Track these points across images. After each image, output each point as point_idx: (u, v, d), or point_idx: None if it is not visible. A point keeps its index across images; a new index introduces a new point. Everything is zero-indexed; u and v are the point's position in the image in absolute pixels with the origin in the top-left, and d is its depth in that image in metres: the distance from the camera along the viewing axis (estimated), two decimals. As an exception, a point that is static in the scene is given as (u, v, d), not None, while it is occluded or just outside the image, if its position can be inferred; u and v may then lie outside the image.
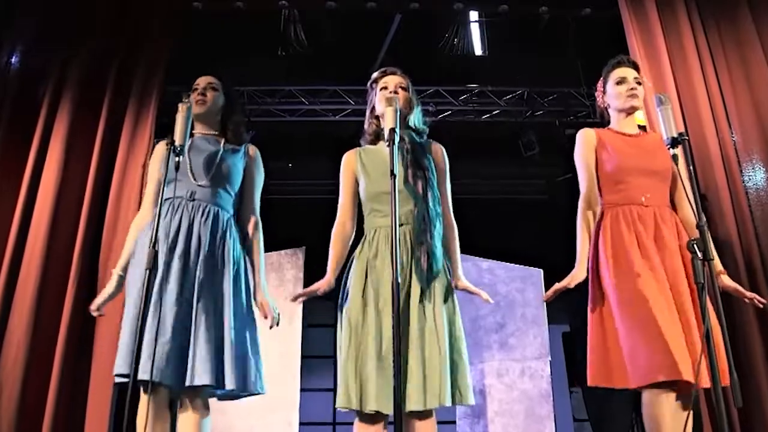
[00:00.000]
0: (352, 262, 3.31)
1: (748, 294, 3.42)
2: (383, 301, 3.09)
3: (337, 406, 3.03)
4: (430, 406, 2.94)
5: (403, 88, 3.48)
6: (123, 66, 4.84)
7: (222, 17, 6.63)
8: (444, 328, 3.07)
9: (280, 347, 6.84)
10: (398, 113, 3.00)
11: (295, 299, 3.32)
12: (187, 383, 3.03)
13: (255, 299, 3.48)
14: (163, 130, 3.67)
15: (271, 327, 3.43)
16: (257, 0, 6.36)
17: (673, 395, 3.09)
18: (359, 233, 3.43)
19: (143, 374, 2.90)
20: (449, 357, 3.05)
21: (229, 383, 3.10)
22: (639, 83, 3.63)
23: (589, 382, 3.37)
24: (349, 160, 3.54)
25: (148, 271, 2.82)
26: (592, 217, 3.54)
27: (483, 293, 3.37)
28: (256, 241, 3.58)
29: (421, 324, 3.05)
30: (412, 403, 2.89)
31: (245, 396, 3.30)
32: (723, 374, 2.78)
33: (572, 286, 3.43)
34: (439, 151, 3.52)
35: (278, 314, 3.47)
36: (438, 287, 3.16)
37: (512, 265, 7.87)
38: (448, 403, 2.96)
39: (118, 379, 3.12)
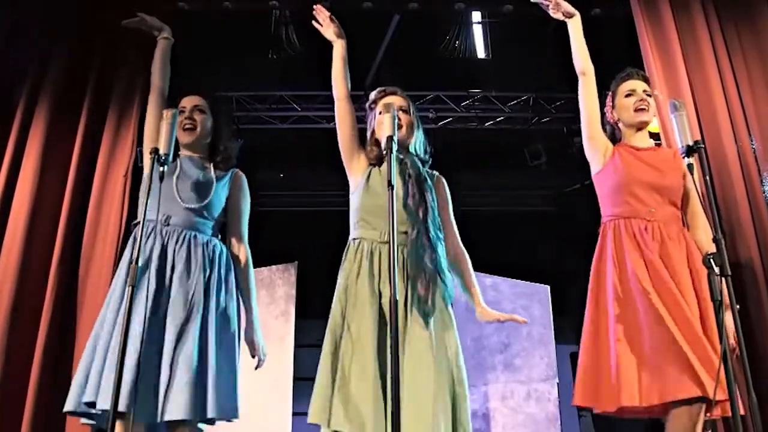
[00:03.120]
0: (340, 277, 3.31)
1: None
2: (360, 323, 3.08)
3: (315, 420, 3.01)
4: None
5: (404, 111, 3.49)
6: (103, 70, 4.82)
7: (209, 18, 6.64)
8: (445, 370, 3.07)
9: (270, 369, 6.80)
10: (396, 120, 2.99)
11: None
12: (162, 419, 3.04)
13: (246, 337, 3.51)
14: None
15: (256, 368, 3.51)
16: (246, 0, 6.37)
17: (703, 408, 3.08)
18: (343, 243, 3.45)
19: (121, 407, 2.91)
20: (451, 389, 3.05)
21: (215, 414, 3.13)
22: (649, 95, 3.67)
23: (575, 402, 3.38)
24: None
25: (131, 288, 2.82)
26: None
27: (518, 317, 3.43)
28: (247, 277, 3.60)
29: (415, 355, 3.02)
30: None
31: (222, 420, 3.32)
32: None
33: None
34: (442, 184, 3.57)
35: (265, 355, 3.54)
36: (437, 315, 3.15)
37: (517, 281, 7.87)
38: None
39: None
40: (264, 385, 6.72)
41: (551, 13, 3.78)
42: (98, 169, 4.53)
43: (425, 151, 3.57)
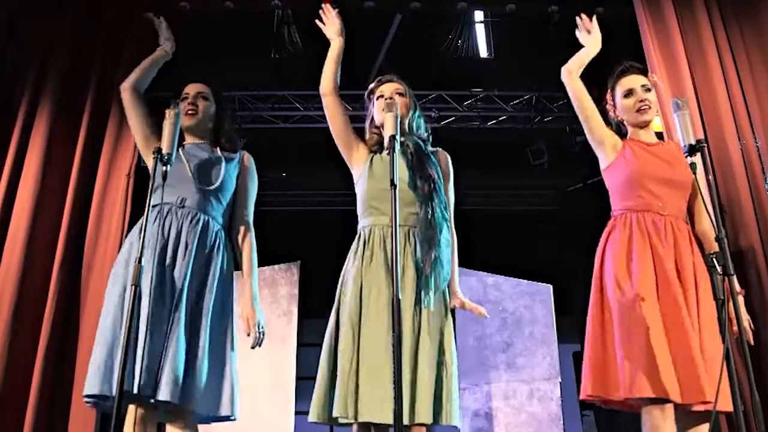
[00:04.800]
0: (348, 263, 3.35)
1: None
2: (377, 308, 3.12)
3: (335, 414, 3.02)
4: (419, 421, 2.96)
5: (400, 94, 3.54)
6: (103, 69, 4.82)
7: (211, 18, 6.63)
8: (435, 340, 3.13)
9: (273, 368, 6.83)
10: (398, 119, 3.01)
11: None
12: (157, 397, 3.03)
13: (242, 314, 3.47)
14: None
15: (252, 347, 3.44)
16: (248, -1, 6.37)
17: (670, 413, 3.10)
18: (353, 233, 3.46)
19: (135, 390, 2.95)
20: (435, 373, 3.08)
21: (197, 406, 3.14)
22: (648, 90, 3.65)
23: (585, 393, 3.38)
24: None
25: (134, 287, 2.82)
26: None
27: (480, 308, 3.42)
28: (249, 250, 3.60)
29: (414, 335, 3.08)
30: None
31: (218, 420, 3.32)
32: (723, 396, 2.78)
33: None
34: (445, 158, 3.59)
35: (263, 333, 3.47)
36: (437, 301, 3.20)
37: (520, 280, 7.87)
38: (429, 420, 2.99)
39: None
40: (267, 384, 6.73)
41: (578, 29, 3.74)
42: (100, 169, 4.53)
43: (425, 130, 3.61)
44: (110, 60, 4.87)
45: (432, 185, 3.33)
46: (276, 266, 7.44)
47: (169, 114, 3.13)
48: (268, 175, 8.29)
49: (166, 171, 3.03)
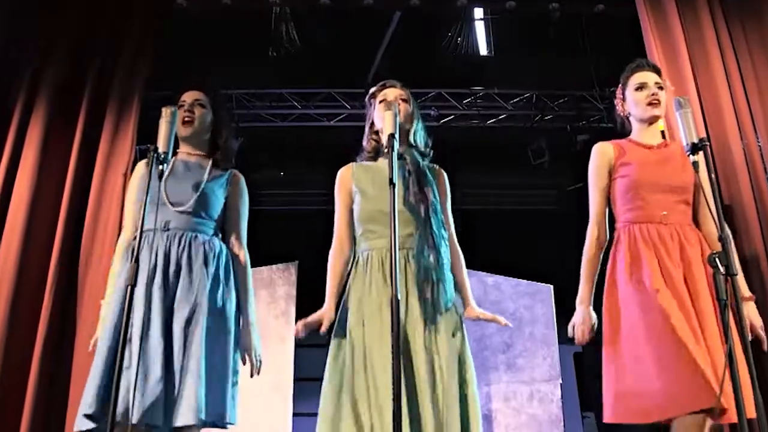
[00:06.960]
0: (349, 289, 3.30)
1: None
2: (371, 337, 3.07)
3: None
4: None
5: (404, 101, 3.48)
6: (102, 68, 4.81)
7: (208, 16, 6.62)
8: (453, 370, 3.05)
9: (271, 369, 6.81)
10: (397, 118, 2.98)
11: (297, 335, 3.24)
12: (174, 423, 3.03)
13: (241, 342, 3.46)
14: (146, 139, 3.65)
15: (251, 375, 3.44)
16: (246, -3, 6.36)
17: (709, 422, 3.06)
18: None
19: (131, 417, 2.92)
20: (458, 404, 3.02)
21: (205, 416, 3.11)
22: (661, 88, 3.62)
23: (608, 419, 3.31)
24: (343, 177, 3.52)
25: (130, 287, 2.80)
26: (599, 249, 3.57)
27: (500, 318, 3.36)
28: (243, 276, 3.57)
29: (430, 365, 3.00)
30: None
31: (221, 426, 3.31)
32: (748, 403, 2.74)
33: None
34: (443, 176, 3.53)
35: (260, 361, 3.46)
36: (445, 322, 3.12)
37: (520, 280, 7.85)
38: None
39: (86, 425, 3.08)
40: (264, 385, 6.71)
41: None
42: (97, 168, 4.53)
43: (426, 144, 3.54)
44: (110, 60, 4.86)
45: (428, 203, 3.26)
46: (274, 266, 7.41)
47: (166, 113, 3.12)
48: (266, 174, 8.29)
49: (162, 171, 3.01)
